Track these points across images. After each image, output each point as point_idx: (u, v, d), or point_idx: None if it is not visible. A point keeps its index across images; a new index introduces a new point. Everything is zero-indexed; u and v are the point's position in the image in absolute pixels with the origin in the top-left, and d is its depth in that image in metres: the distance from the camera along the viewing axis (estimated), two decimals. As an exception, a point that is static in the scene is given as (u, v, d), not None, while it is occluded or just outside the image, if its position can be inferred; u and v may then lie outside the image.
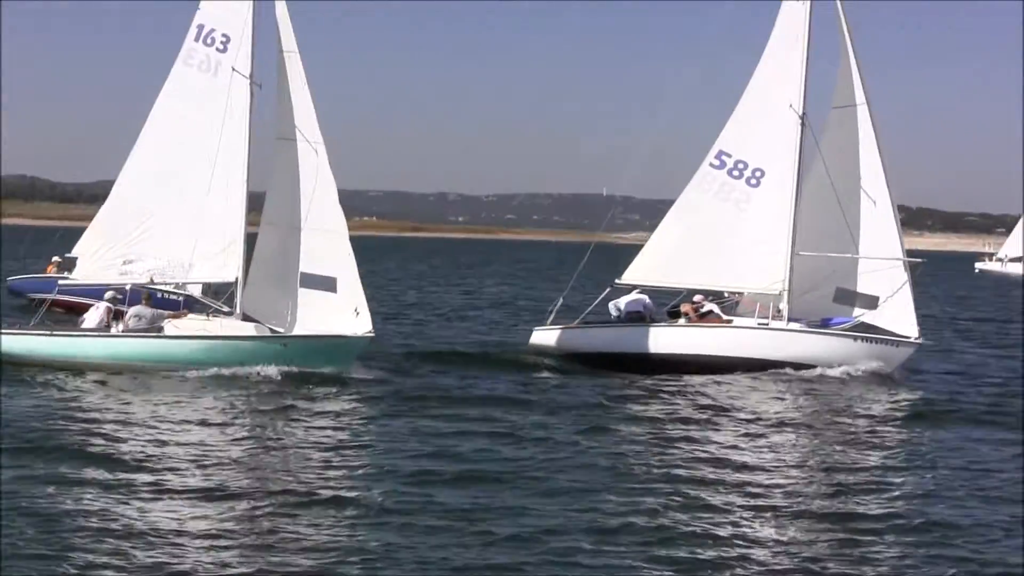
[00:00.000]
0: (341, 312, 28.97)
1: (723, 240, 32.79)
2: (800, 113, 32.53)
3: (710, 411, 25.70)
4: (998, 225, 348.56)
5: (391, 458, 19.69)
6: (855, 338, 31.51)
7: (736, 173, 33.09)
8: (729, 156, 33.16)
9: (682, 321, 32.29)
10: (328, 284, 29.17)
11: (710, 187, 33.27)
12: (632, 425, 23.83)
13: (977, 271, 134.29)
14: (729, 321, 32.19)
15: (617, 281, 33.51)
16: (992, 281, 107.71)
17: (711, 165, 33.28)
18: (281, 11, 29.49)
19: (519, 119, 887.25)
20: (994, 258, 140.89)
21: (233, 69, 29.49)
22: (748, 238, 32.65)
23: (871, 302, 32.28)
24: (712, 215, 33.09)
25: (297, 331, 29.14)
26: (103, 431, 21.09)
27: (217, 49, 29.84)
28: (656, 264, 33.32)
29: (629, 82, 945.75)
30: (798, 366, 31.25)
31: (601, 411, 25.54)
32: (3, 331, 28.82)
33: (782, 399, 27.95)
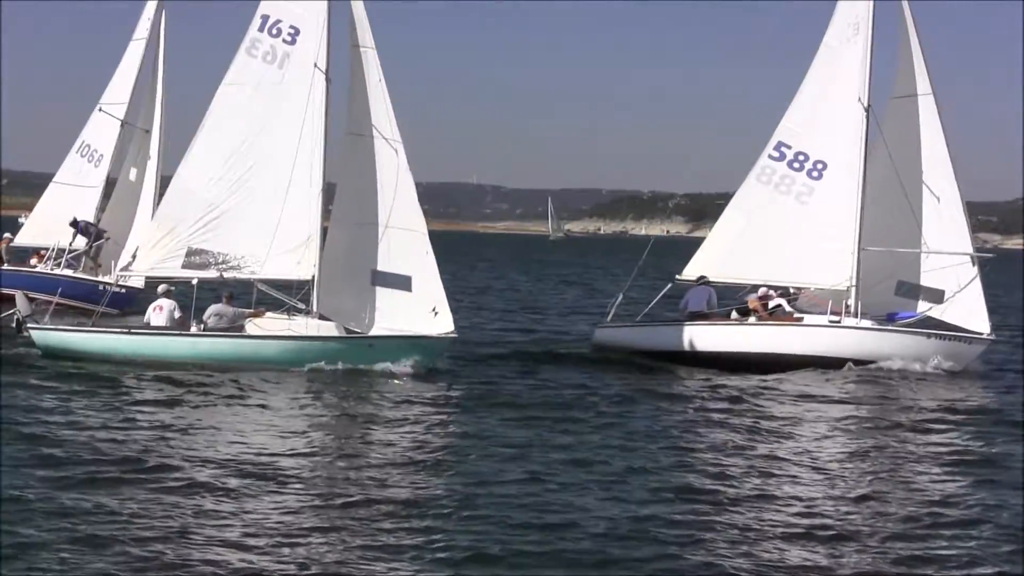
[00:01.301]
0: (417, 311, 28.81)
1: (785, 234, 32.83)
2: (866, 105, 32.40)
3: (786, 411, 25.82)
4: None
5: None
6: (927, 335, 31.62)
7: (796, 165, 33.08)
8: (789, 148, 33.16)
9: (752, 319, 32.10)
10: (403, 283, 28.97)
11: (770, 179, 33.28)
12: (706, 424, 23.93)
13: None
14: (800, 318, 32.07)
15: (677, 277, 33.41)
16: None
17: (770, 157, 33.29)
18: (358, 6, 29.00)
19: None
20: None
21: (315, 66, 29.03)
22: (811, 232, 32.69)
23: (936, 296, 32.45)
24: (773, 208, 33.14)
25: (373, 331, 28.94)
26: (191, 435, 20.87)
27: (284, 40, 29.41)
28: (717, 258, 33.35)
29: (505, 71, 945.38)
30: (871, 363, 31.30)
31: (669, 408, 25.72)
32: (79, 329, 28.82)
33: (858, 397, 28.04)
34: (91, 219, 40.11)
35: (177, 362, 27.72)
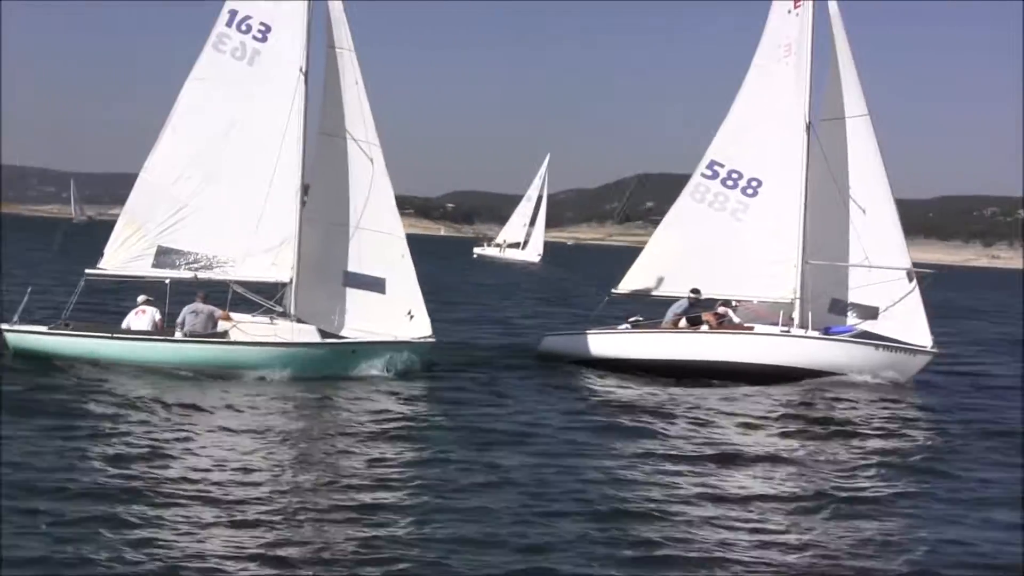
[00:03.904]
0: (390, 314, 29.56)
1: (722, 249, 34.35)
2: (807, 122, 33.89)
3: (735, 419, 26.88)
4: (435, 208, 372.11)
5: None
6: (876, 346, 33.11)
7: (730, 183, 34.59)
8: (722, 166, 34.70)
9: (704, 328, 33.13)
10: (376, 285, 29.72)
11: (703, 197, 34.81)
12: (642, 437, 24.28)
13: (475, 256, 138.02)
14: (751, 327, 33.23)
15: (613, 291, 34.31)
16: (501, 265, 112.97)
17: (703, 175, 34.79)
18: (335, 7, 29.70)
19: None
20: (492, 243, 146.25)
21: (301, 70, 29.55)
22: (750, 247, 34.20)
23: (870, 312, 34.13)
24: (708, 224, 34.60)
25: (346, 332, 29.58)
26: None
27: (254, 37, 29.79)
28: (654, 273, 34.44)
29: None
30: (820, 374, 32.82)
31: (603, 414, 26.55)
32: (58, 332, 28.31)
33: (808, 407, 29.26)
34: None
35: (158, 367, 27.70)
